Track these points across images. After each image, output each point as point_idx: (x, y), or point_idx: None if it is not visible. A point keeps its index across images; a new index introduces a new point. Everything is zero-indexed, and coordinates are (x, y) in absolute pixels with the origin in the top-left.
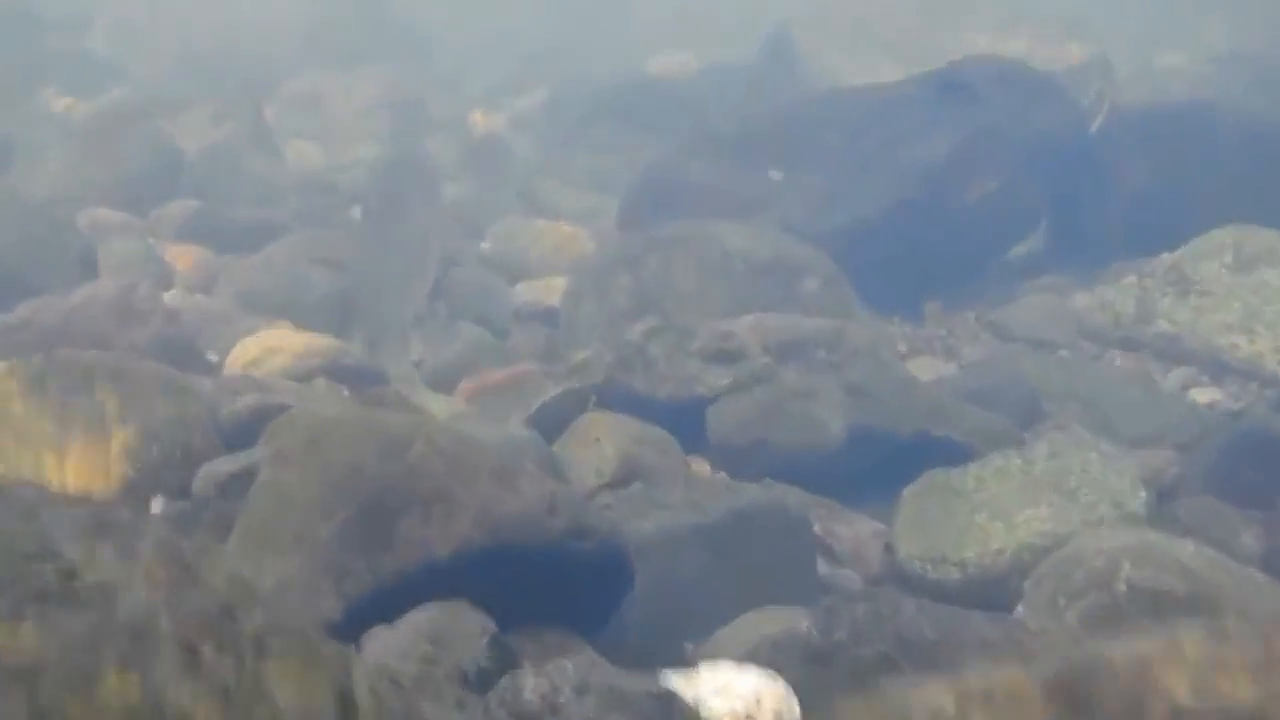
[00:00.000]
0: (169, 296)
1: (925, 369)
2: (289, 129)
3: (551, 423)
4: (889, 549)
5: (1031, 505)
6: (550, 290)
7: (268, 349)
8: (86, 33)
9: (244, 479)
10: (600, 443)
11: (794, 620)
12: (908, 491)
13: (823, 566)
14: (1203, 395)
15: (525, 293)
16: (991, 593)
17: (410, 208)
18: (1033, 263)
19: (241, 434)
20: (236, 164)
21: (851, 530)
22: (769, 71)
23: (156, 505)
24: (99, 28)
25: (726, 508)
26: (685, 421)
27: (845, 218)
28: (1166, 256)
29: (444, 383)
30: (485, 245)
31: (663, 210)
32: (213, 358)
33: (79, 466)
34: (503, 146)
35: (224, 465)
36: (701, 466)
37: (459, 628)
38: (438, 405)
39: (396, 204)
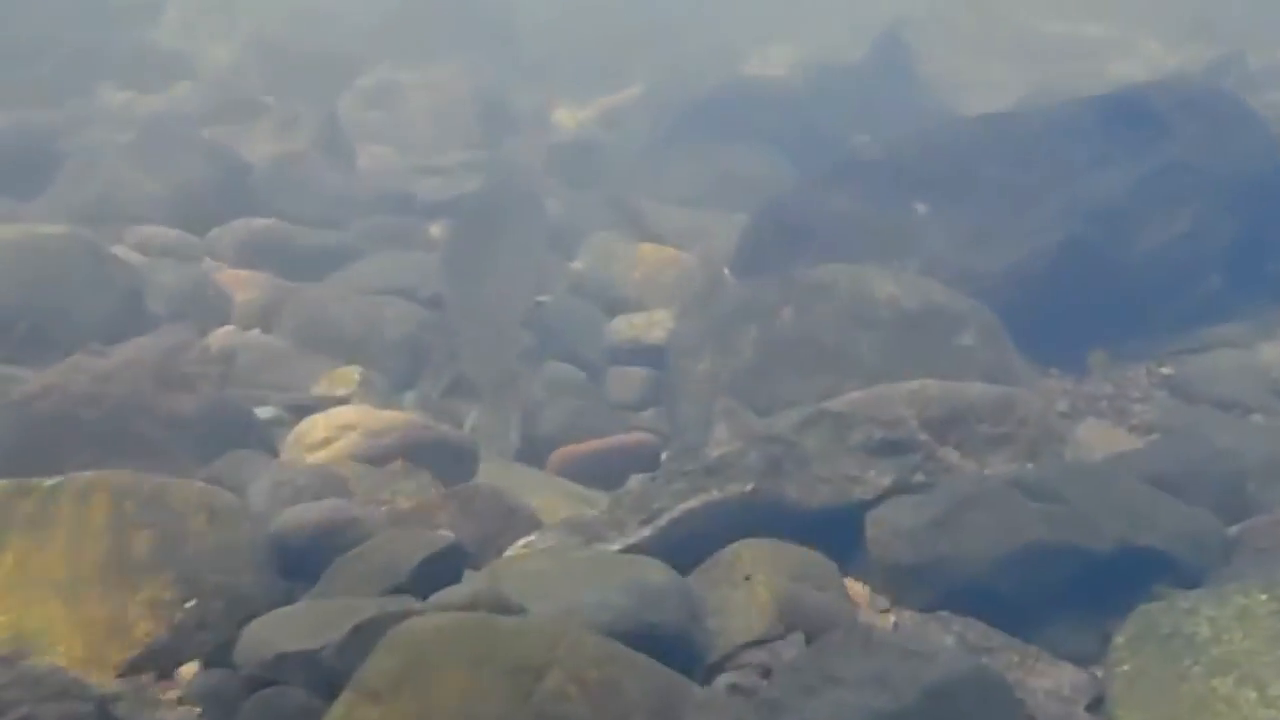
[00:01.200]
0: (223, 334)
1: (1096, 437)
2: (362, 130)
3: (682, 540)
4: None
5: None
6: (652, 326)
7: (339, 427)
8: (154, 22)
9: (304, 662)
10: (752, 582)
11: None
12: (1121, 639)
13: None
14: None
15: (624, 328)
16: None
17: (508, 231)
18: (1206, 309)
19: (304, 559)
20: (306, 177)
21: (1052, 681)
22: (880, 75)
23: (186, 679)
24: (168, 17)
25: (919, 684)
26: (837, 530)
27: (1002, 259)
28: None
29: (532, 444)
30: (576, 265)
31: (789, 247)
32: (265, 413)
33: (92, 623)
34: (591, 148)
35: (282, 638)
36: (858, 590)
37: None
38: (526, 482)
39: (493, 226)
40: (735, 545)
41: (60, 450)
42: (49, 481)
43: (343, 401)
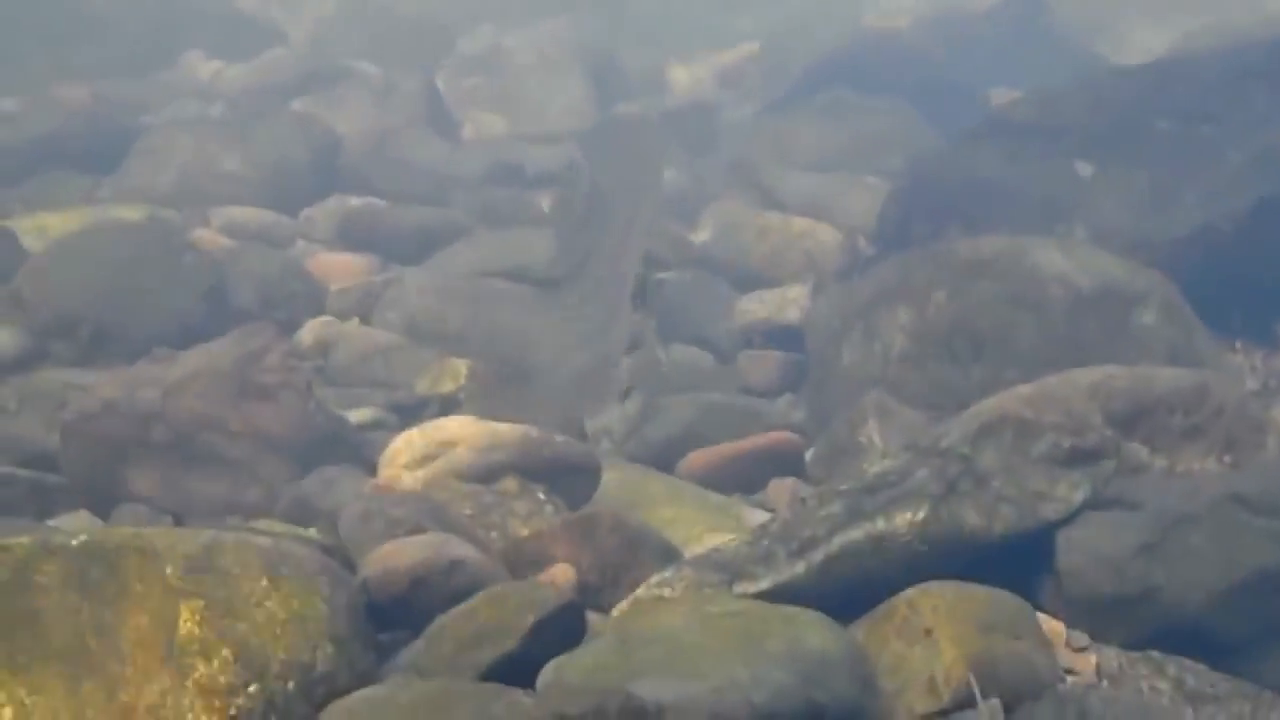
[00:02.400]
0: (317, 326)
1: None
2: (464, 97)
3: (842, 579)
4: None
5: None
6: (786, 304)
7: (440, 443)
8: None
9: None
10: (935, 638)
11: None
12: None
13: None
14: None
15: (754, 307)
16: None
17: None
18: None
19: (400, 606)
20: (405, 149)
21: None
22: (1014, 22)
23: None
24: None
25: None
26: (1020, 556)
27: (1184, 224)
28: None
29: (659, 444)
30: (699, 237)
31: (936, 216)
32: (364, 415)
33: (130, 713)
34: (710, 110)
35: None
36: (1052, 626)
37: None
38: (655, 491)
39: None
40: (911, 592)
41: (126, 473)
42: (75, 540)
43: (449, 400)
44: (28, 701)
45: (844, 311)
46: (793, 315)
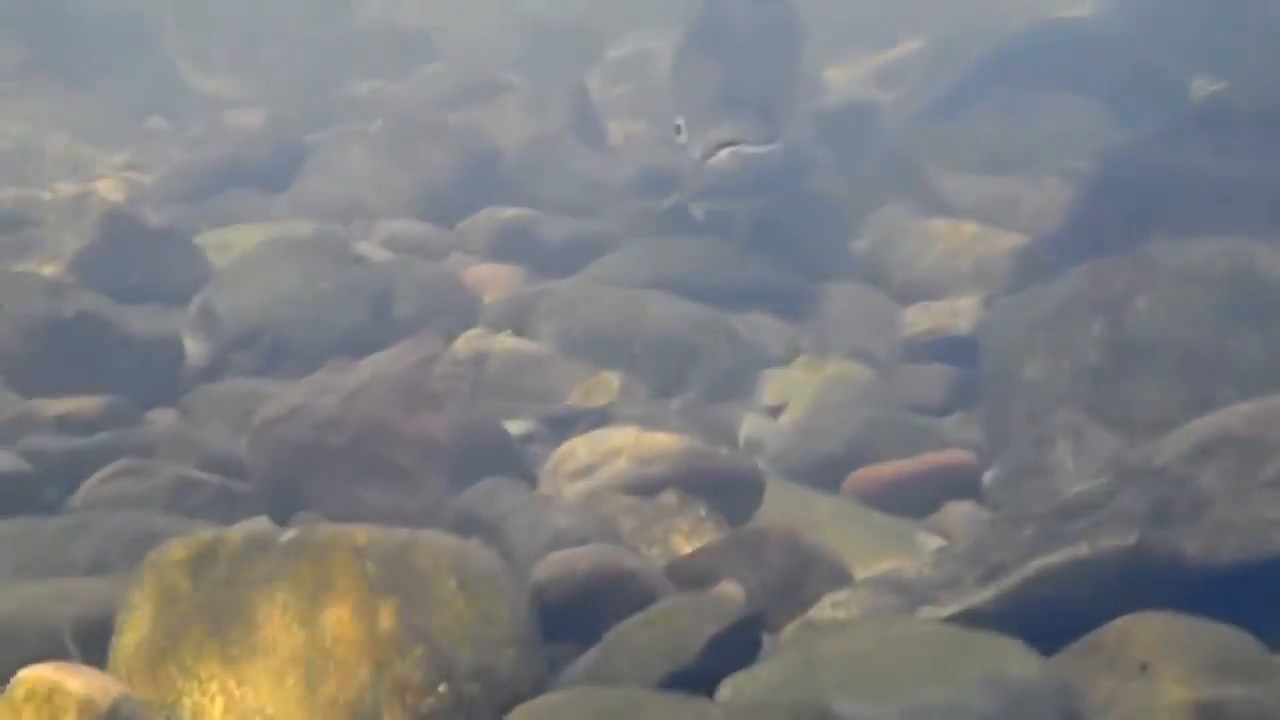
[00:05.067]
0: (471, 338)
1: None
2: (615, 105)
3: (1039, 607)
4: None
5: None
6: (955, 315)
7: (603, 453)
8: (397, 8)
9: None
10: (1153, 674)
11: None
12: None
13: None
14: None
15: (920, 319)
16: None
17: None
18: None
19: (570, 617)
20: (560, 160)
21: None
22: (1215, 3)
23: None
24: (408, 1)
25: None
26: (1247, 592)
27: None
28: None
29: (821, 461)
30: (858, 245)
31: (1131, 220)
32: (518, 428)
33: (332, 706)
34: (869, 111)
35: None
36: None
37: None
38: (821, 512)
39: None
40: (1122, 623)
41: (307, 480)
42: (283, 537)
43: (602, 413)
44: (237, 693)
45: (1026, 323)
46: (963, 327)
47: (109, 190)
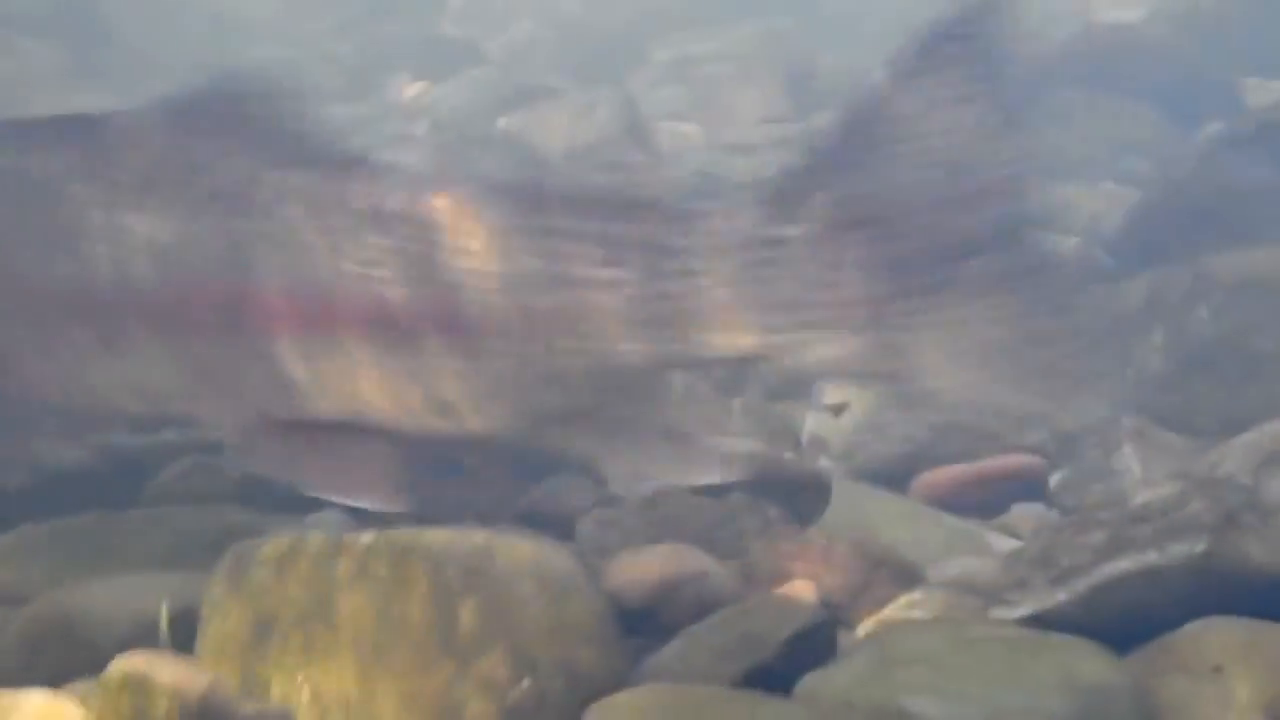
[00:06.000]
0: None
1: None
2: (661, 107)
3: (1111, 611)
4: None
5: None
6: None
7: None
8: (440, 12)
9: None
10: (1225, 676)
11: None
12: None
13: None
14: None
15: None
16: None
17: None
18: None
19: (643, 616)
20: (612, 163)
21: None
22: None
23: None
24: (453, 4)
25: None
26: None
27: None
28: None
29: (887, 462)
30: None
31: (1190, 227)
32: None
33: (418, 699)
34: None
35: None
36: None
37: None
38: (888, 512)
39: None
40: (1194, 627)
41: None
42: (365, 538)
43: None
44: (323, 686)
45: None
46: None
47: None
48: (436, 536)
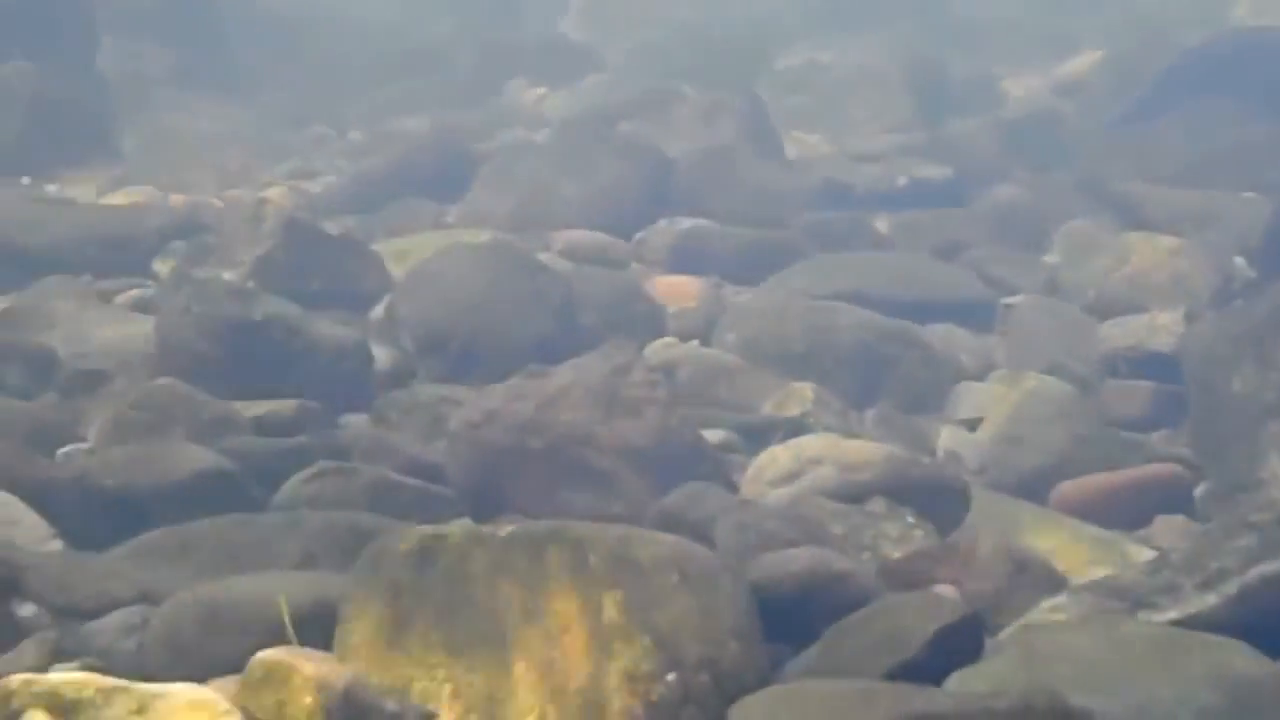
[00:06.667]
0: (660, 348)
1: None
2: (785, 116)
3: (1262, 614)
4: None
5: None
6: (1154, 330)
7: (806, 459)
8: (561, 16)
9: None
10: None
11: None
12: None
13: None
14: None
15: (1119, 334)
16: None
17: None
18: None
19: (784, 618)
20: (735, 170)
21: None
22: None
23: None
24: (573, 9)
25: None
26: None
27: None
28: None
29: (1027, 473)
30: (1049, 259)
31: None
32: (713, 437)
33: (563, 693)
34: (1052, 122)
35: None
36: None
37: None
38: (1028, 521)
39: None
40: None
41: (506, 482)
42: (503, 530)
43: (797, 423)
44: (465, 680)
45: (1231, 338)
46: (1161, 342)
47: (279, 198)
48: (578, 529)
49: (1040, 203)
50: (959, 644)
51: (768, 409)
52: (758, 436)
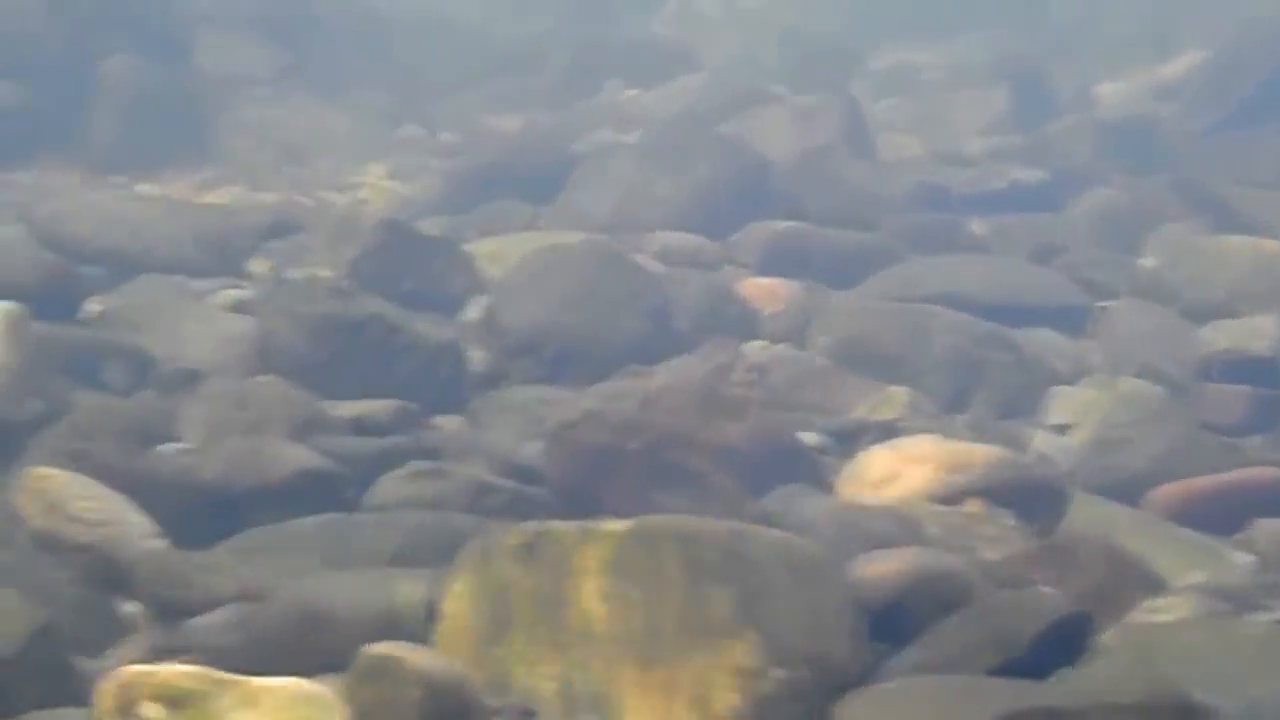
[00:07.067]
0: (754, 348)
1: None
2: (880, 117)
3: None
4: None
5: None
6: (1254, 335)
7: (904, 460)
8: (657, 16)
9: None
10: None
11: None
12: None
13: None
14: None
15: (1217, 339)
16: None
17: None
18: None
19: (887, 617)
20: (831, 173)
21: None
22: None
23: None
24: (667, 6)
25: None
26: None
27: None
28: None
29: (1123, 476)
30: (1146, 262)
31: None
32: (810, 438)
33: (667, 688)
34: (1150, 126)
35: None
36: None
37: None
38: (1124, 526)
39: None
40: None
41: (601, 483)
42: (616, 525)
43: (890, 426)
44: (570, 676)
45: None
46: (1260, 347)
47: (373, 199)
48: (689, 523)
49: (1137, 206)
50: (1066, 643)
51: (861, 412)
52: (848, 440)
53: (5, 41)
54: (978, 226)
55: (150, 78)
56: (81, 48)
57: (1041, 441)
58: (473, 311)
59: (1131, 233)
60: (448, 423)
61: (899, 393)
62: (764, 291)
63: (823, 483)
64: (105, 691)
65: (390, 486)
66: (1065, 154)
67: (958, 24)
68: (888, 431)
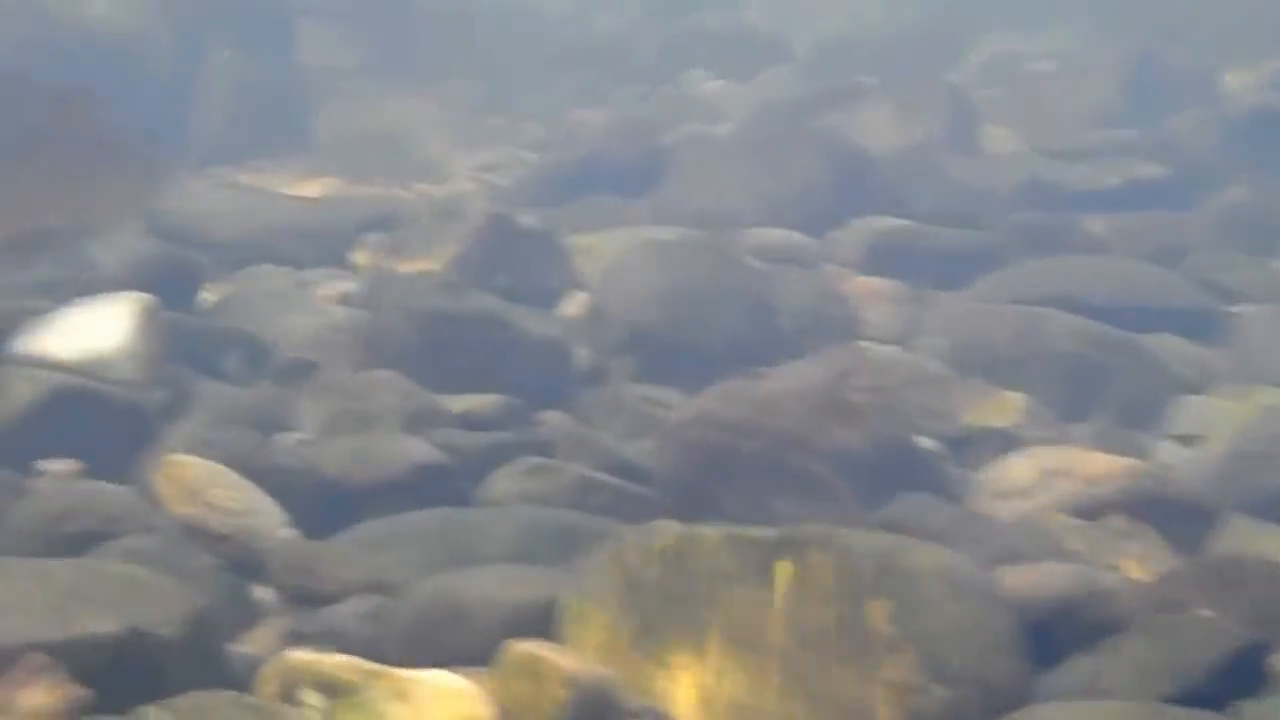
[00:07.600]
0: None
1: None
2: (982, 110)
3: None
4: None
5: None
6: None
7: (1046, 471)
8: (743, 8)
9: None
10: None
11: None
12: None
13: None
14: None
15: None
16: None
17: None
18: None
19: (1038, 636)
20: (935, 168)
21: None
22: None
23: None
24: (755, 1)
25: None
26: None
27: None
28: None
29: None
30: (1276, 263)
31: None
32: (926, 444)
33: (821, 700)
34: (1275, 119)
35: None
36: None
37: None
38: (1273, 544)
39: None
40: None
41: (714, 484)
42: (762, 533)
43: (1004, 434)
44: (711, 682)
45: None
46: None
47: (469, 191)
48: (844, 535)
49: (1269, 206)
50: (1242, 671)
51: (974, 418)
52: (963, 446)
53: (117, 39)
54: (1098, 226)
55: (253, 71)
56: (189, 43)
57: (1167, 453)
58: (571, 307)
59: (1263, 234)
60: (553, 418)
61: (1014, 399)
62: (869, 291)
63: (944, 491)
64: (269, 676)
65: (505, 482)
66: (1185, 149)
67: (1065, 11)
68: (1005, 439)
